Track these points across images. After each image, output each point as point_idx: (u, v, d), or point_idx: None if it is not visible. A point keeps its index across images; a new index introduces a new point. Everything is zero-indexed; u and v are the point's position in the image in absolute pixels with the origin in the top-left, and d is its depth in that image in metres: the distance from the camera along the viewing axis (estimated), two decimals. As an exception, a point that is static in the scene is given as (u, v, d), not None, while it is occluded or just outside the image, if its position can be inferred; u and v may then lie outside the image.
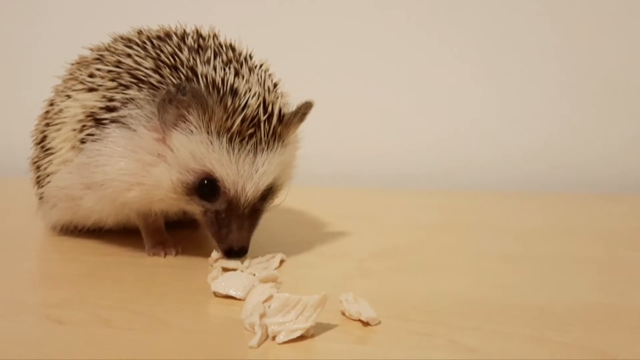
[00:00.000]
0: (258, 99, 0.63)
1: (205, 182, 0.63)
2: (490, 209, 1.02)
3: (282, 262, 0.67)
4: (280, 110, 0.65)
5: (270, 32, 1.18)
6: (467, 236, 0.82)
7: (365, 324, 0.50)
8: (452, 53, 1.23)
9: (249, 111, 0.62)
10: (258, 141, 0.63)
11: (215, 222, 0.64)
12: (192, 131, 0.61)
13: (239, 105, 0.61)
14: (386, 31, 1.24)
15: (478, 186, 1.21)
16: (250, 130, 0.62)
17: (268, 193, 0.67)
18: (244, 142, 0.62)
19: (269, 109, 0.63)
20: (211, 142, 0.61)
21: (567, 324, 0.50)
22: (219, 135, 0.61)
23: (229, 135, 0.61)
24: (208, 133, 0.61)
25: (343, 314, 0.51)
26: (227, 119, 0.61)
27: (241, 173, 0.62)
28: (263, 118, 0.63)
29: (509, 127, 1.24)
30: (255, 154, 0.63)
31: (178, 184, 0.62)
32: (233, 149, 0.62)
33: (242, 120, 0.61)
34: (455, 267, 0.68)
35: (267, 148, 0.63)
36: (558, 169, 1.22)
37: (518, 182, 1.21)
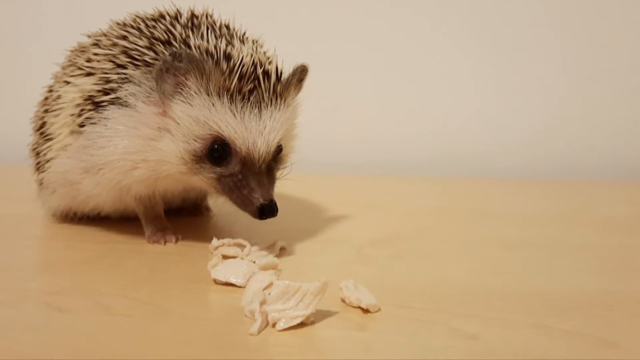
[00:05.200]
0: (252, 58, 0.62)
1: (215, 146, 0.62)
2: (490, 196, 1.02)
3: (282, 249, 0.67)
4: (277, 68, 0.64)
5: (267, 19, 1.17)
6: (467, 223, 0.82)
7: (366, 311, 0.50)
8: (452, 39, 1.22)
9: (244, 69, 0.61)
10: (260, 98, 0.62)
11: (234, 187, 0.63)
12: (192, 96, 0.61)
13: (234, 64, 0.61)
14: (386, 18, 1.23)
15: (478, 173, 1.21)
16: (250, 87, 0.62)
17: (278, 154, 0.66)
18: (245, 99, 0.62)
19: (265, 66, 0.63)
20: (213, 104, 0.61)
21: (568, 311, 0.50)
22: (219, 97, 0.61)
23: (230, 94, 0.61)
24: (208, 95, 0.61)
25: (343, 301, 0.51)
26: (225, 80, 0.61)
27: (249, 129, 0.62)
28: (260, 73, 0.62)
29: (509, 114, 1.24)
30: (259, 110, 0.62)
31: (186, 154, 0.62)
32: (236, 107, 0.61)
33: (240, 78, 0.61)
34: (455, 254, 0.68)
35: (271, 104, 0.63)
36: (558, 156, 1.22)
37: (518, 169, 1.21)
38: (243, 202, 0.63)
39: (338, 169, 1.21)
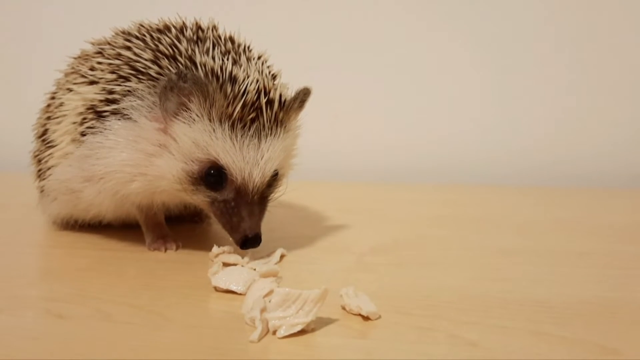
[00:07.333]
0: (257, 84, 0.62)
1: (212, 171, 0.62)
2: (490, 203, 1.02)
3: (282, 256, 0.67)
4: (280, 96, 0.65)
5: (270, 27, 1.18)
6: (467, 230, 0.82)
7: (366, 318, 0.50)
8: (453, 47, 1.23)
9: (248, 97, 0.61)
10: (261, 127, 0.62)
11: (225, 212, 0.64)
12: (194, 119, 0.61)
13: (239, 91, 0.61)
14: (387, 26, 1.23)
15: (479, 180, 1.21)
16: (252, 116, 0.62)
17: (274, 180, 0.67)
18: (246, 128, 0.62)
19: (270, 94, 0.63)
20: (214, 130, 0.61)
21: (567, 318, 0.50)
22: (221, 123, 0.61)
23: (231, 121, 0.61)
24: (210, 120, 0.61)
25: (343, 308, 0.51)
26: (227, 106, 0.61)
27: (247, 160, 0.62)
28: (264, 103, 0.62)
29: (510, 121, 1.24)
30: (259, 139, 0.62)
31: (183, 174, 0.62)
32: (236, 136, 0.61)
33: (243, 106, 0.61)
34: (455, 261, 0.68)
35: (271, 134, 0.63)
36: (559, 164, 1.22)
37: (519, 176, 1.21)
38: (231, 228, 0.64)
39: (339, 177, 1.21)
